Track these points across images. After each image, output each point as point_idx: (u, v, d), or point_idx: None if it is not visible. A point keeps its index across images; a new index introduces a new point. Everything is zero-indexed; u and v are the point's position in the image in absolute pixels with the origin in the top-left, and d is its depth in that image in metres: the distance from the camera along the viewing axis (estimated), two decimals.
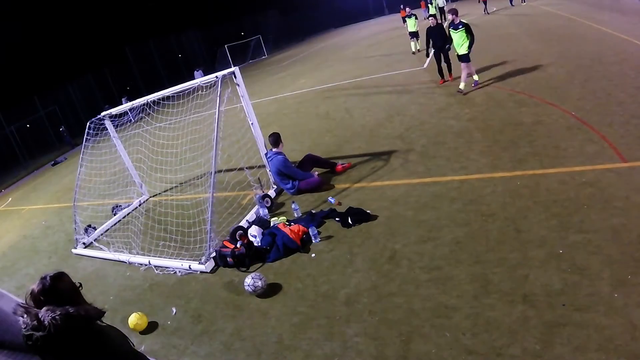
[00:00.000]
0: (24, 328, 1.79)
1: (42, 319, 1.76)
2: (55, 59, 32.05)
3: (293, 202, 5.14)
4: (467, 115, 6.58)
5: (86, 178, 7.65)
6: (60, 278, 1.93)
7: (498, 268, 3.17)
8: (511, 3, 20.25)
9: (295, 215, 5.01)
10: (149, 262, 4.98)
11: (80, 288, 2.01)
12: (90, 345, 1.87)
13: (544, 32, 11.88)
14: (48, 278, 1.90)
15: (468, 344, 2.62)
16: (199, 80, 5.51)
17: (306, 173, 5.68)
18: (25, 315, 1.81)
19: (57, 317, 1.75)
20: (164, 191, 7.58)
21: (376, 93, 9.92)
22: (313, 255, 4.15)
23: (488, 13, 19.62)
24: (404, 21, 13.79)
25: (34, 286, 1.89)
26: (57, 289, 1.88)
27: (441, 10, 20.15)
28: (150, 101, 6.14)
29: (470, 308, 2.88)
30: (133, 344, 2.12)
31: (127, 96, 18.26)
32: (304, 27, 47.03)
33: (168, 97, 6.11)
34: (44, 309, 1.80)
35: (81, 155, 6.90)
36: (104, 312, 1.96)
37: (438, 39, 8.17)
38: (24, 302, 1.90)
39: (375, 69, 12.72)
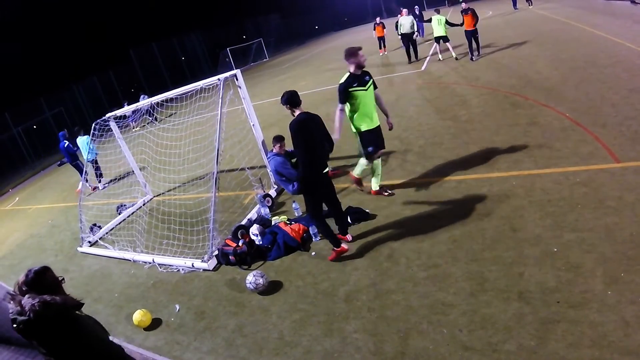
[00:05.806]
0: (10, 313, 1.98)
1: (24, 305, 1.95)
2: (61, 61, 32.39)
3: (294, 202, 5.21)
4: (464, 117, 6.64)
5: (91, 178, 7.74)
6: (42, 272, 2.11)
7: (494, 266, 3.22)
8: (514, 6, 20.13)
9: (296, 215, 5.08)
10: (153, 260, 5.07)
11: (62, 282, 2.18)
12: (66, 331, 2.04)
13: (539, 35, 11.91)
14: (32, 271, 2.09)
15: (465, 340, 2.67)
16: (202, 82, 5.60)
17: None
18: (11, 302, 2.00)
19: (36, 304, 1.93)
20: (168, 191, 7.66)
21: None
22: (313, 253, 4.22)
23: (525, 7, 19.69)
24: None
25: (20, 278, 2.08)
26: (38, 282, 2.06)
27: (409, 39, 12.69)
28: (154, 103, 6.23)
29: (466, 305, 2.94)
30: (109, 334, 2.27)
31: (127, 101, 18.43)
32: (304, 31, 47.24)
33: (171, 99, 6.21)
34: (26, 296, 1.99)
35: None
36: (82, 304, 2.12)
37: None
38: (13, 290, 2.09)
39: (374, 72, 12.77)
